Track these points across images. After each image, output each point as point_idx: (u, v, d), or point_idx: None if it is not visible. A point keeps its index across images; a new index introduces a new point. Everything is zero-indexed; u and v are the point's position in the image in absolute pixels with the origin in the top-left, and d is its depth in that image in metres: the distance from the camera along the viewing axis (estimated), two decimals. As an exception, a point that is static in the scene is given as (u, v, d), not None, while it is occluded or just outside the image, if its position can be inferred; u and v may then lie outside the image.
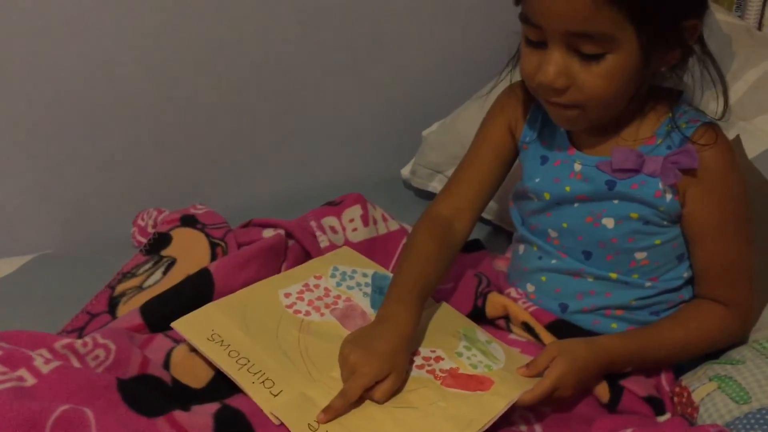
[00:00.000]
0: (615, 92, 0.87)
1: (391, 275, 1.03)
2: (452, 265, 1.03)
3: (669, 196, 0.93)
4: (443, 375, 0.89)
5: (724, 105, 0.94)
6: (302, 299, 1.01)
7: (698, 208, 0.93)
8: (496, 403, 0.85)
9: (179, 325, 0.93)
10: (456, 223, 1.03)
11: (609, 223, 0.95)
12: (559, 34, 0.85)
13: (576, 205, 0.97)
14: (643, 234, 0.95)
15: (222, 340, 0.91)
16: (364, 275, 1.06)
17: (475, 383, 0.88)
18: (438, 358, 0.92)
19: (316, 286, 1.03)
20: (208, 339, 0.91)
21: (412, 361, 0.91)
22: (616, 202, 0.94)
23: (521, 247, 1.05)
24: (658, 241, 0.95)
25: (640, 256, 0.96)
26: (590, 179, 0.95)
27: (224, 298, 0.99)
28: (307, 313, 0.98)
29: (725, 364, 0.93)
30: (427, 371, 0.90)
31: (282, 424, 0.82)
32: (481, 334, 0.96)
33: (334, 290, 1.03)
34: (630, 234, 0.95)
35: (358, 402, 0.84)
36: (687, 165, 0.90)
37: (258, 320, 0.95)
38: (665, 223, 0.94)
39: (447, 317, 0.99)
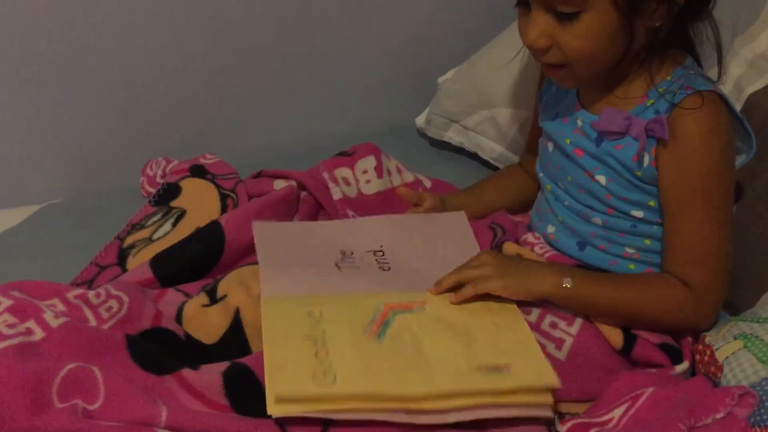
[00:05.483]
0: (596, 50, 0.88)
1: None
2: (523, 200, 1.14)
3: (646, 162, 0.91)
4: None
5: (719, 71, 0.95)
6: None
7: (666, 175, 0.90)
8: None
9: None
10: (526, 167, 1.16)
11: (601, 180, 0.95)
12: None
13: (576, 159, 0.97)
14: (635, 194, 0.94)
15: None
16: None
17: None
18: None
19: None
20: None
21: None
22: (605, 159, 0.94)
23: (542, 190, 1.07)
24: (652, 203, 0.94)
25: (637, 214, 0.95)
26: (587, 135, 0.96)
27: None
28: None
29: (751, 322, 0.90)
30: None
31: None
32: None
33: None
34: (621, 192, 0.94)
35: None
36: (658, 134, 0.89)
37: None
38: (651, 186, 0.92)
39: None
